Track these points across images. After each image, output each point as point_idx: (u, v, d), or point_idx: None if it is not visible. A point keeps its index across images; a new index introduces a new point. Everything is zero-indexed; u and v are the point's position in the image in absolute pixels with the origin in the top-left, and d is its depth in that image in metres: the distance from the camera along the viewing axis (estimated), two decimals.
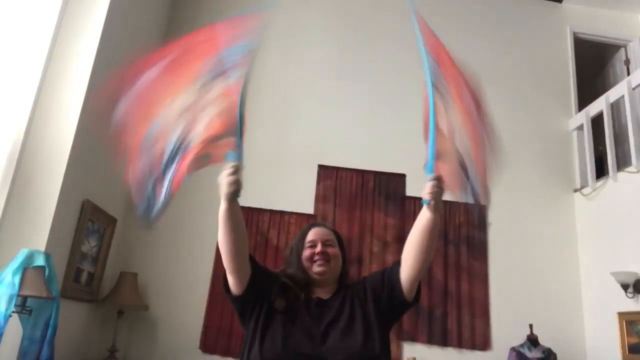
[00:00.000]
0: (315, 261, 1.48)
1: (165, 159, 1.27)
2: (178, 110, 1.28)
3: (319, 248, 1.49)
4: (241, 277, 1.37)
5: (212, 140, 1.28)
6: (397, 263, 1.44)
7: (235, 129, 1.28)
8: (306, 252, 1.49)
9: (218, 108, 1.28)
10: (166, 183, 1.27)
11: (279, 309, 1.38)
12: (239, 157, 1.28)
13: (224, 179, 1.26)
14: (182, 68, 1.30)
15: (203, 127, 1.27)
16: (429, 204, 1.29)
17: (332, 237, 1.55)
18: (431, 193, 1.27)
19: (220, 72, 1.30)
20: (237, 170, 1.26)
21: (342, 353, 1.29)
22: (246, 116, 1.30)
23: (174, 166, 1.28)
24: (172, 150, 1.28)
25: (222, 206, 1.29)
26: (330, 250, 1.50)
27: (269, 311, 1.38)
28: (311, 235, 1.53)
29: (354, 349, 1.30)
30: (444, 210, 3.87)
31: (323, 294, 1.47)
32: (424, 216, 1.32)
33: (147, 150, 1.26)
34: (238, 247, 1.33)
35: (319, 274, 1.47)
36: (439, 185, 1.28)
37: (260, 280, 1.41)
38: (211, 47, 1.32)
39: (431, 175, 1.29)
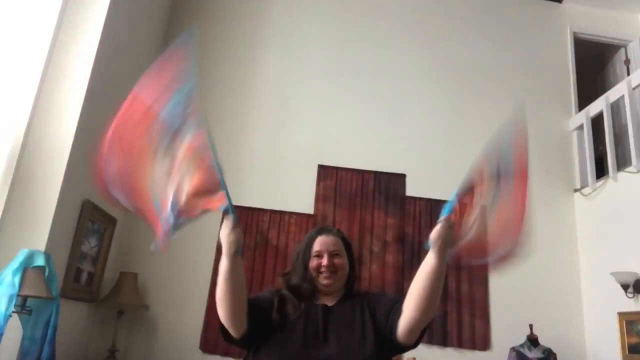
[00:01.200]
0: (321, 272, 1.46)
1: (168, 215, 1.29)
2: (161, 179, 1.27)
3: (325, 260, 1.46)
4: (239, 325, 1.30)
5: (199, 195, 1.26)
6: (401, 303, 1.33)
7: (216, 181, 1.25)
8: (312, 263, 1.47)
9: (191, 167, 1.25)
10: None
11: (275, 323, 1.36)
12: (231, 208, 1.26)
13: (224, 237, 1.25)
14: (130, 148, 1.25)
15: (187, 189, 1.26)
16: (430, 247, 1.21)
17: (339, 245, 1.52)
18: (438, 234, 1.19)
19: (172, 134, 1.25)
20: (236, 226, 1.25)
21: (339, 358, 1.29)
22: (222, 165, 1.26)
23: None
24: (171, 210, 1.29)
25: (224, 264, 1.26)
26: (337, 261, 1.47)
27: (269, 326, 1.37)
28: (317, 245, 1.50)
29: (352, 355, 1.29)
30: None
31: (328, 300, 1.46)
32: (428, 261, 1.22)
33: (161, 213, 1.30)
34: (236, 306, 1.27)
35: (325, 285, 1.45)
36: (448, 227, 1.20)
37: (259, 316, 1.35)
38: (144, 113, 1.23)
39: (444, 216, 1.21)
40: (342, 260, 1.49)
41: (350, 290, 1.52)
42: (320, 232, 1.56)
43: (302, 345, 1.31)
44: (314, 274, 1.46)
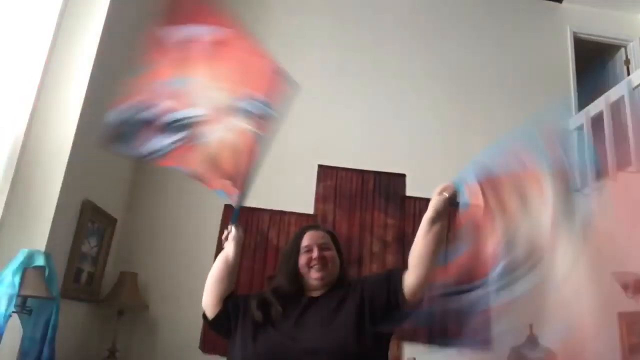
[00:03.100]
0: (312, 267, 1.44)
1: (168, 120, 1.35)
2: (206, 95, 1.37)
3: (315, 253, 1.45)
4: (215, 306, 1.52)
5: (218, 174, 1.45)
6: (400, 269, 1.41)
7: (240, 181, 1.46)
8: (302, 259, 1.46)
9: (234, 145, 1.44)
10: (158, 145, 1.35)
11: (258, 320, 1.38)
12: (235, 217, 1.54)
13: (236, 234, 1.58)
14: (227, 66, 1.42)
15: (216, 148, 1.40)
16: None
17: (328, 239, 1.51)
18: (432, 206, 1.37)
19: (245, 112, 1.44)
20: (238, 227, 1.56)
21: (317, 345, 1.28)
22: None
23: (174, 139, 1.35)
24: (181, 122, 1.36)
25: (231, 249, 1.56)
26: (327, 254, 1.47)
27: (249, 322, 1.40)
28: (306, 239, 1.49)
29: (331, 341, 1.29)
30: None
31: (315, 293, 1.46)
32: (422, 228, 1.37)
33: (159, 94, 1.34)
34: (220, 288, 1.53)
35: (317, 279, 1.44)
36: (443, 202, 1.36)
37: (235, 306, 1.50)
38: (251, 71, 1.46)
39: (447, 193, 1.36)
40: (332, 253, 1.48)
41: (341, 283, 1.50)
42: (307, 229, 1.57)
43: (282, 338, 1.32)
44: (304, 270, 1.45)
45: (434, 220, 1.32)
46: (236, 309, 1.47)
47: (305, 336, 1.31)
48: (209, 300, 1.50)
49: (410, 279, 1.35)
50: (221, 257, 1.54)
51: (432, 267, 1.34)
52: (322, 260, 1.45)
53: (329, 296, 1.43)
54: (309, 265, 1.45)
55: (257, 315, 1.39)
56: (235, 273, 1.56)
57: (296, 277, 1.46)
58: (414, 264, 1.35)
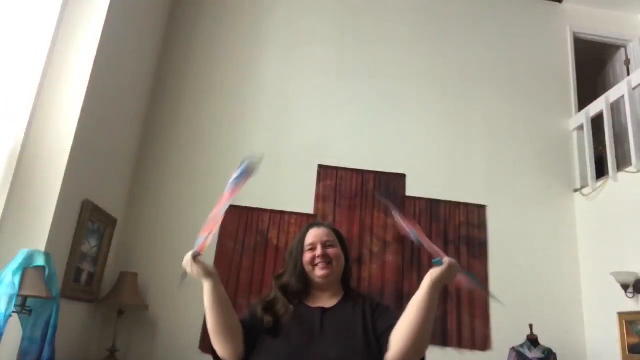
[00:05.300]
0: (316, 264, 1.42)
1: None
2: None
3: (319, 251, 1.43)
4: (236, 352, 1.40)
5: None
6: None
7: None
8: (306, 256, 1.44)
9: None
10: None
11: (267, 326, 1.34)
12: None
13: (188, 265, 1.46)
14: None
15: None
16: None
17: (332, 236, 1.49)
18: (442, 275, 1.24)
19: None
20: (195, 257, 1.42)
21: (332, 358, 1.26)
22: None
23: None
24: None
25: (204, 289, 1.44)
26: (331, 251, 1.44)
27: (262, 333, 1.35)
28: (310, 237, 1.48)
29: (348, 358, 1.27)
30: (445, 211, 3.87)
31: (325, 300, 1.43)
32: (421, 296, 1.25)
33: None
34: (230, 333, 1.42)
35: (321, 277, 1.41)
36: (454, 267, 1.25)
37: (253, 332, 1.38)
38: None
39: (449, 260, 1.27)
40: (336, 250, 1.46)
41: (349, 289, 1.48)
42: (311, 226, 1.54)
43: (297, 349, 1.29)
44: (308, 268, 1.43)
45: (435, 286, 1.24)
46: (257, 335, 1.37)
47: (322, 354, 1.28)
48: (229, 352, 1.43)
49: (391, 353, 1.27)
50: (208, 302, 1.47)
51: (417, 349, 1.31)
52: (326, 258, 1.43)
53: (345, 308, 1.40)
54: (312, 263, 1.43)
55: (267, 319, 1.35)
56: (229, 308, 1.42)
57: (302, 275, 1.44)
58: (398, 340, 1.27)
